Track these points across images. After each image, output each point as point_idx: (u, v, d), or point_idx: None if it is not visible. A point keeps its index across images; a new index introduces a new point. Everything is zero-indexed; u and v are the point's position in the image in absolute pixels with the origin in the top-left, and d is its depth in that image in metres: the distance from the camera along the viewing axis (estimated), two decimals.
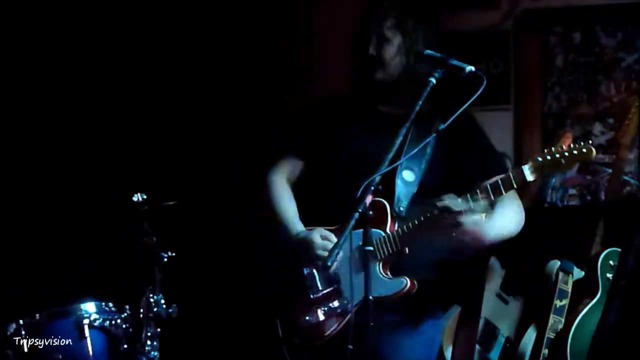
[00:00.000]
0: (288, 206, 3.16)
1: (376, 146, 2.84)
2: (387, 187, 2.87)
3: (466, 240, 2.84)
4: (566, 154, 2.71)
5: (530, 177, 2.75)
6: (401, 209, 2.96)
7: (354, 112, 3.12)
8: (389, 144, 2.77)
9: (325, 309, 2.98)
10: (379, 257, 2.90)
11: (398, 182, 2.97)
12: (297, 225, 3.09)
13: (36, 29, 4.54)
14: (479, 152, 3.04)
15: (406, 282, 2.90)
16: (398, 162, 2.81)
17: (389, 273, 2.93)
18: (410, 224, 2.90)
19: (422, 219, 2.87)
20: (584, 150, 2.69)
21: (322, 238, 2.97)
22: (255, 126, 4.68)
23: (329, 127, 3.12)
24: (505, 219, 2.96)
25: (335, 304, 2.96)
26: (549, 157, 2.72)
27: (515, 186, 2.79)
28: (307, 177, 3.18)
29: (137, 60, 4.65)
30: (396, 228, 2.93)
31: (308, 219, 3.11)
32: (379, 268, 2.91)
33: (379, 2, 3.09)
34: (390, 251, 2.90)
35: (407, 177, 2.99)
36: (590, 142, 2.70)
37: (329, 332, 2.97)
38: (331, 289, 2.98)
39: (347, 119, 3.12)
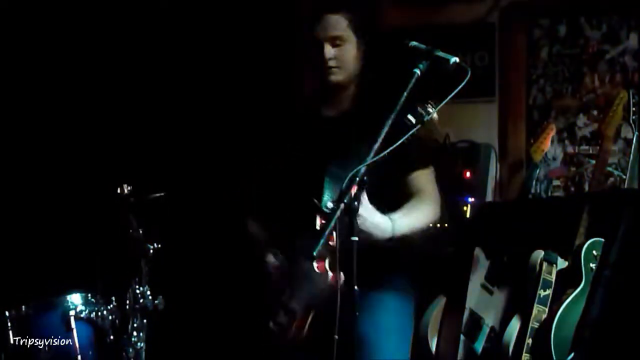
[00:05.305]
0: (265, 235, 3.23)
1: (325, 151, 2.95)
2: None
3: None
4: None
5: None
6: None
7: (300, 125, 3.17)
8: (337, 146, 2.88)
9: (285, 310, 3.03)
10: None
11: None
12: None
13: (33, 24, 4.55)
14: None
15: (330, 275, 2.92)
16: (388, 150, 2.80)
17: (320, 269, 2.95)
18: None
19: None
20: None
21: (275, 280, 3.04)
22: (245, 118, 4.68)
23: (281, 151, 3.17)
24: (411, 217, 3.00)
25: (292, 305, 3.01)
26: None
27: None
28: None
29: (125, 55, 4.65)
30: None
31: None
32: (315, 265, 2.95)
33: (329, 4, 3.12)
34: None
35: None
36: None
37: (293, 333, 3.01)
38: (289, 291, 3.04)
39: (293, 134, 3.17)
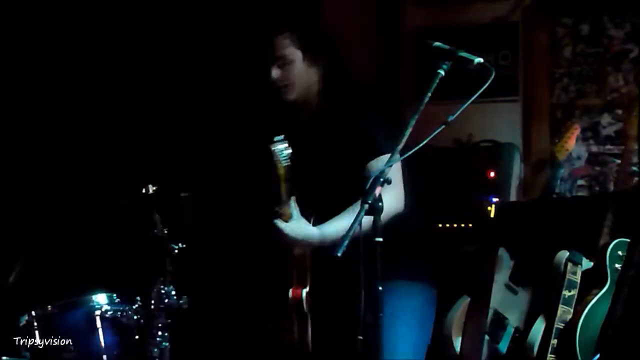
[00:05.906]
0: None
1: (302, 154, 3.01)
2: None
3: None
4: None
5: None
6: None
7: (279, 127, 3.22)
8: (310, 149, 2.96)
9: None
10: None
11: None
12: None
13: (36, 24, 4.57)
14: None
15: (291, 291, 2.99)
16: (412, 150, 2.78)
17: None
18: None
19: None
20: None
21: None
22: (267, 118, 4.69)
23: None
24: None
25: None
26: None
27: None
28: None
29: (144, 55, 4.67)
30: None
31: None
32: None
33: (273, 24, 3.15)
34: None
35: None
36: None
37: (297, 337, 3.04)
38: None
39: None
